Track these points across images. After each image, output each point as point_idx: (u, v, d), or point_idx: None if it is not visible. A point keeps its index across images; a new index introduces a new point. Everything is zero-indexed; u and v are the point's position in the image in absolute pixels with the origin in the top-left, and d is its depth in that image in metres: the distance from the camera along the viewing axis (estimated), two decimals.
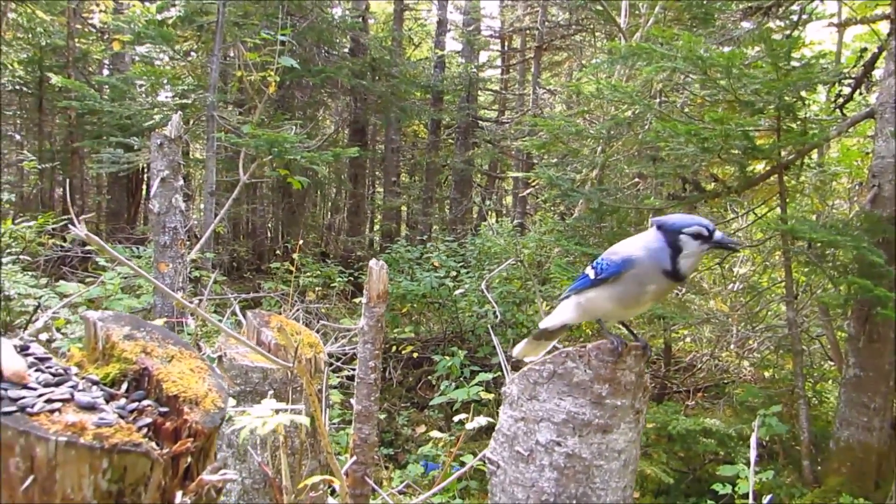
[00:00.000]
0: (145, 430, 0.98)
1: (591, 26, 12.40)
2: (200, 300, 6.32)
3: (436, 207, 15.38)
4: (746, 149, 5.05)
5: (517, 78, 15.51)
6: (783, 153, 5.29)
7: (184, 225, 5.59)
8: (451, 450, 4.51)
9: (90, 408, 0.96)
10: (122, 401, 1.03)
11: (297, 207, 12.97)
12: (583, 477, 1.50)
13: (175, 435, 1.01)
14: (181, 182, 5.61)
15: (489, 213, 15.22)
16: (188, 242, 5.62)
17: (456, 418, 2.99)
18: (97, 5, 11.05)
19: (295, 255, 5.74)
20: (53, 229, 6.23)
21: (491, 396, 5.71)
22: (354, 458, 2.62)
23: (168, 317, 5.18)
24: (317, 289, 9.26)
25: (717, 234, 1.71)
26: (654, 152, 6.89)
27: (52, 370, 1.04)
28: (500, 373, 6.97)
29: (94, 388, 1.04)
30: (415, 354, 7.99)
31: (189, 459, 1.00)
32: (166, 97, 9.57)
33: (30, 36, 11.23)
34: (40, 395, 0.94)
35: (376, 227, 16.99)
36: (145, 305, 6.04)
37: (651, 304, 1.72)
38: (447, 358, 7.02)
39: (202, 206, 8.48)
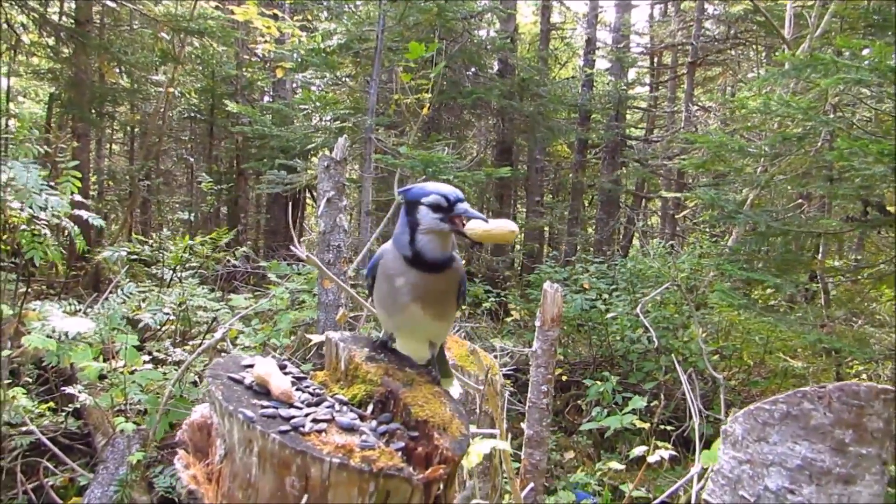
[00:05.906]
0: (399, 453, 0.99)
1: (750, 39, 11.87)
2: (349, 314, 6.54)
3: (580, 228, 15.16)
4: None
5: (667, 95, 15.06)
6: None
7: (346, 244, 5.81)
8: (624, 483, 4.36)
9: (350, 429, 0.98)
10: (373, 423, 1.05)
11: None
12: None
13: (426, 460, 1.00)
14: (345, 202, 5.84)
15: (637, 233, 14.81)
16: (351, 260, 5.83)
17: (637, 450, 2.86)
18: (262, 36, 11.86)
19: None
20: (227, 245, 6.66)
21: (646, 425, 5.49)
22: (532, 484, 2.58)
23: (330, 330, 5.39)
24: (464, 308, 9.34)
25: (461, 207, 1.34)
26: (828, 171, 6.44)
27: (311, 390, 1.07)
28: (655, 401, 6.70)
29: (345, 408, 1.06)
30: (563, 378, 7.84)
31: (441, 486, 0.99)
32: (325, 121, 10.03)
33: (203, 67, 12.19)
34: (307, 415, 0.97)
35: (517, 247, 16.96)
36: (308, 320, 6.33)
37: (423, 310, 1.31)
38: (598, 383, 6.83)
39: (357, 224, 8.79)
